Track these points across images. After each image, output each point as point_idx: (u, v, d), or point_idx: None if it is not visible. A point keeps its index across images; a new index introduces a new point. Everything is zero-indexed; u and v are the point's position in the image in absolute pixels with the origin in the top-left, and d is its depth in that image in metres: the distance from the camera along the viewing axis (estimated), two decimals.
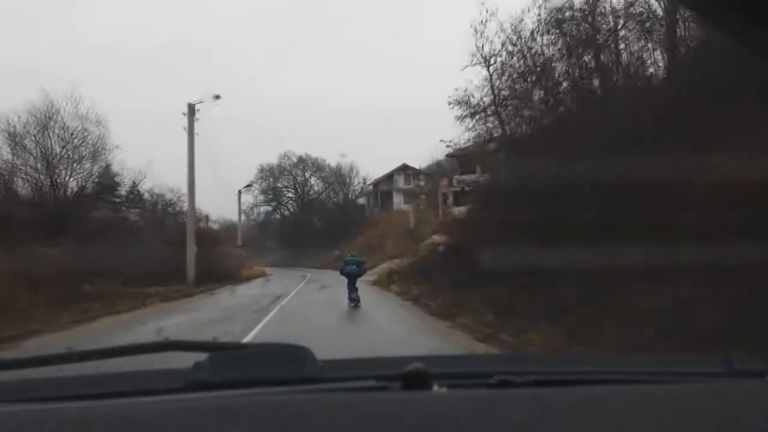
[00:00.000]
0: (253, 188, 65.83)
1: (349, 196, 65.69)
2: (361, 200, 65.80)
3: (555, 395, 1.01)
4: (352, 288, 16.83)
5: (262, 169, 66.56)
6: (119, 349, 1.24)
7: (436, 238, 41.49)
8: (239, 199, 51.22)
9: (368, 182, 64.37)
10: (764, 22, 0.81)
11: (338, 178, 65.67)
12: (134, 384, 1.23)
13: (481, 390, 1.11)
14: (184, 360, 1.19)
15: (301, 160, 67.12)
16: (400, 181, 62.89)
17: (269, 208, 68.46)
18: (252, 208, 67.39)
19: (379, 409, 0.92)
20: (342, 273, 17.39)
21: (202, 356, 1.17)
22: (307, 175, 67.56)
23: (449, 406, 0.92)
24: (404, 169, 62.61)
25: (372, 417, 0.88)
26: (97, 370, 1.29)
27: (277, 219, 69.62)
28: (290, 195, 68.40)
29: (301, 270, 43.41)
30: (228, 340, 1.54)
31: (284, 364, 1.15)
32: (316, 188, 68.03)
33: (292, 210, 68.50)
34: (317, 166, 66.90)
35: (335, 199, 65.41)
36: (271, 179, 67.32)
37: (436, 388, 1.08)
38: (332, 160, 66.75)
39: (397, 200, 61.97)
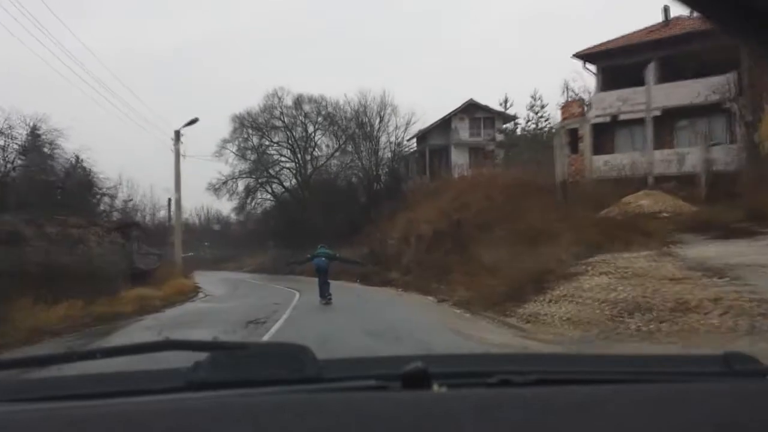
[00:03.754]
0: (226, 151, 41.69)
1: (379, 153, 39.48)
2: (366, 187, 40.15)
3: (556, 395, 1.00)
4: (323, 283, 15.58)
5: (239, 120, 42.12)
6: (119, 349, 1.23)
7: (647, 202, 14.49)
8: (177, 150, 27.05)
9: (407, 130, 39.33)
10: (765, 19, 0.79)
11: (361, 126, 40.84)
12: (134, 384, 1.22)
13: (482, 389, 1.09)
14: (184, 359, 1.16)
15: (298, 103, 41.93)
16: (463, 130, 38.52)
17: (251, 180, 43.83)
18: (226, 183, 43.16)
19: (379, 409, 0.91)
20: (316, 270, 15.96)
21: (202, 356, 1.14)
22: (310, 128, 42.86)
23: (449, 406, 0.92)
24: (470, 110, 38.25)
25: (372, 417, 0.87)
26: (97, 370, 1.26)
27: (266, 199, 45.29)
28: (284, 159, 43.64)
29: (291, 284, 23.72)
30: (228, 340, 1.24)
31: (284, 364, 1.14)
32: (325, 148, 43.34)
33: (287, 184, 43.82)
34: (325, 112, 42.03)
35: (359, 161, 39.94)
36: (253, 135, 42.74)
37: (436, 387, 1.06)
38: (351, 95, 42.48)
39: (459, 161, 37.53)
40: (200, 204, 64.00)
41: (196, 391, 1.07)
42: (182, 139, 27.43)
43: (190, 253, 73.24)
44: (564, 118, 28.86)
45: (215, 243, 66.47)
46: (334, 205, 35.51)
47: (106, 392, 1.13)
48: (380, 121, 39.39)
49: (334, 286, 16.78)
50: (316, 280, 16.32)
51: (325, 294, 15.34)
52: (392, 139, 39.67)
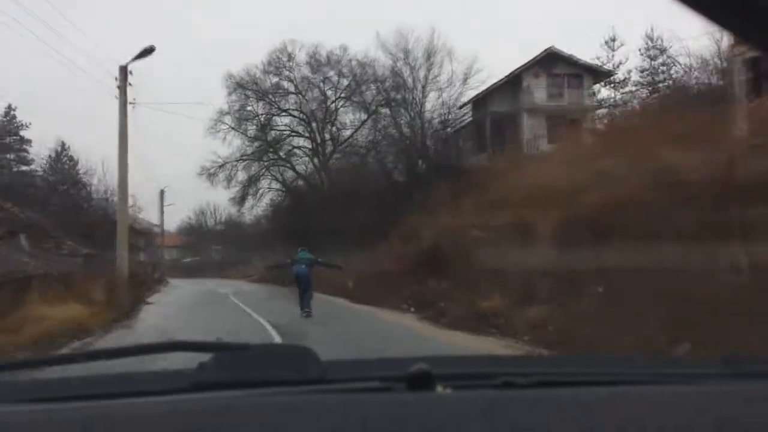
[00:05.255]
0: (224, 126, 32.10)
1: (425, 116, 28.10)
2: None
3: (559, 396, 0.99)
4: (304, 292, 14.25)
5: (234, 81, 32.04)
6: (124, 350, 1.25)
7: None
8: (123, 93, 17.46)
9: (466, 83, 28.66)
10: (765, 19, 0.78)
11: (398, 88, 29.26)
12: (138, 384, 1.22)
13: (486, 391, 1.09)
14: (189, 360, 1.17)
15: (314, 59, 31.34)
16: (539, 90, 28.27)
17: (255, 164, 33.82)
18: (222, 166, 33.53)
19: (383, 410, 0.91)
20: (296, 278, 14.70)
21: (206, 357, 1.14)
22: (330, 95, 32.92)
23: (453, 407, 0.91)
24: (548, 63, 27.99)
25: (376, 418, 0.87)
26: (101, 371, 1.28)
27: (274, 189, 35.52)
28: (295, 135, 33.77)
29: (287, 310, 15.30)
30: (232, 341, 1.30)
31: (288, 365, 1.13)
32: (350, 122, 33.32)
33: (302, 170, 33.96)
34: (349, 73, 31.73)
35: (396, 130, 29.46)
36: (257, 103, 33.03)
37: (440, 389, 1.06)
38: (385, 36, 32.06)
39: (536, 129, 27.49)
40: (205, 202, 54.40)
41: (200, 392, 1.06)
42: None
43: (196, 258, 61.99)
44: (737, 43, 17.77)
45: (228, 246, 57.32)
46: (362, 192, 25.64)
47: (111, 393, 1.13)
48: (428, 72, 28.58)
49: (373, 319, 13.67)
50: (325, 301, 15.17)
51: (304, 306, 14.20)
52: (444, 96, 28.49)
